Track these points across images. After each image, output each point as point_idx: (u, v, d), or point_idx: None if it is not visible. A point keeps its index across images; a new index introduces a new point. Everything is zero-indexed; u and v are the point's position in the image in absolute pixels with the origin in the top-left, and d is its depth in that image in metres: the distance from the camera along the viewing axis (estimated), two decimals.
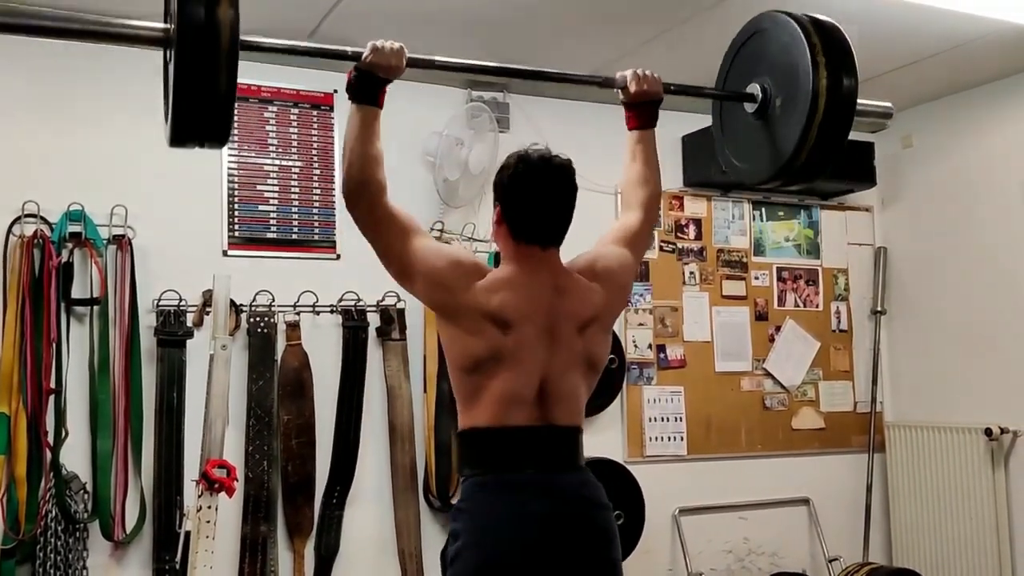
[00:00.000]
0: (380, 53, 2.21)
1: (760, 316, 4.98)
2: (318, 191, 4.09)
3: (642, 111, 2.62)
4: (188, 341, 3.72)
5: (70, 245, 3.57)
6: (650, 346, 4.68)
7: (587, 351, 2.30)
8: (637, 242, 2.54)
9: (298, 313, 3.94)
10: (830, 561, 4.80)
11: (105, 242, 3.64)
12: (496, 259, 4.24)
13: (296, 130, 4.07)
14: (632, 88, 2.57)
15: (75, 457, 3.53)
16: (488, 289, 2.22)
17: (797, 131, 2.50)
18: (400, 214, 2.27)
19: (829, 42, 2.50)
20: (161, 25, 2.14)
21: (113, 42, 2.19)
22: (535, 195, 2.30)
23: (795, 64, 2.51)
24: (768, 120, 2.64)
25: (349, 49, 2.27)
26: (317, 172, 4.09)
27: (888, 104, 2.96)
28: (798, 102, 2.50)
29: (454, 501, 3.96)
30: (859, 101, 2.56)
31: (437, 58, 2.44)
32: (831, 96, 2.45)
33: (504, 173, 2.33)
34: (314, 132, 4.10)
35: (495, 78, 4.37)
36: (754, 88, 2.67)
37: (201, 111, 2.03)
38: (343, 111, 4.08)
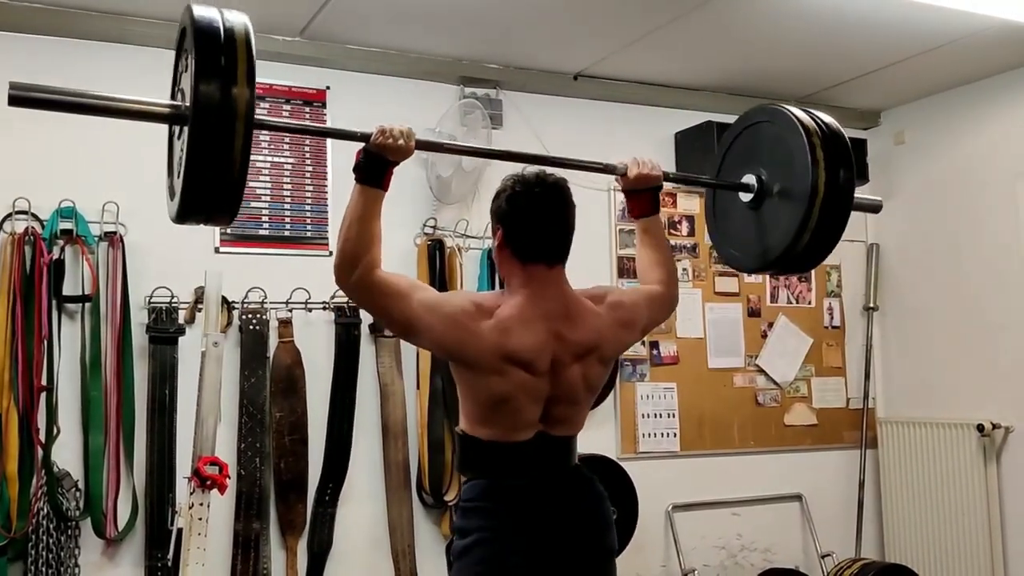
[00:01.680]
0: (389, 136, 2.21)
1: (753, 312, 4.98)
2: (310, 188, 4.08)
3: (643, 198, 2.65)
4: (180, 338, 3.72)
5: (61, 242, 3.56)
6: (643, 343, 4.67)
7: (585, 377, 2.35)
8: (654, 305, 2.57)
9: (290, 310, 3.93)
10: (823, 557, 4.81)
11: (96, 239, 3.63)
12: (488, 256, 4.28)
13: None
14: (631, 175, 2.60)
15: (67, 454, 3.52)
16: (501, 329, 2.23)
17: (794, 225, 2.53)
18: (391, 279, 2.25)
19: (827, 138, 2.54)
20: (170, 102, 2.16)
21: (124, 118, 2.21)
22: (536, 213, 2.32)
23: (794, 159, 2.54)
24: (763, 211, 2.67)
25: (359, 131, 2.27)
26: (310, 169, 4.08)
27: (878, 198, 3.08)
28: (795, 196, 2.53)
29: (448, 498, 4.01)
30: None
31: (446, 143, 2.46)
32: (829, 192, 2.49)
33: (502, 196, 2.35)
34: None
35: (488, 75, 4.38)
36: (749, 178, 2.70)
37: (212, 191, 2.01)
38: (336, 107, 4.13)
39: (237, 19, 2.03)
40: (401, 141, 2.22)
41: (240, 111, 1.95)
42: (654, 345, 4.71)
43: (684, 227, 4.86)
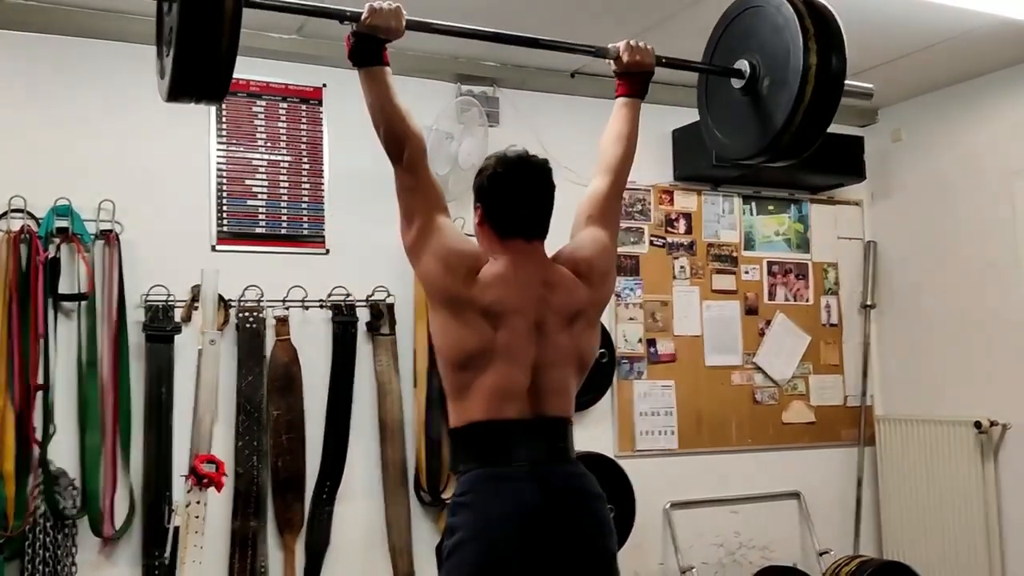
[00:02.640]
0: (379, 14, 2.22)
1: (750, 310, 4.98)
2: (307, 186, 4.07)
3: (633, 80, 2.64)
4: (176, 336, 3.71)
5: (57, 240, 3.55)
6: (640, 340, 4.67)
7: (575, 345, 2.32)
8: (608, 213, 2.53)
9: (287, 308, 3.93)
10: (820, 554, 4.81)
11: (93, 237, 3.62)
12: None
13: (285, 124, 4.05)
14: (625, 58, 2.59)
15: (63, 453, 3.52)
16: (484, 284, 2.24)
17: (786, 109, 2.51)
18: (437, 186, 2.34)
19: (820, 22, 2.52)
20: None
21: None
22: (514, 188, 2.35)
23: (785, 42, 2.52)
24: (755, 96, 2.65)
25: (348, 10, 2.25)
26: (306, 167, 4.08)
27: (869, 85, 2.99)
28: (787, 80, 2.51)
29: (445, 496, 4.00)
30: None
31: (434, 21, 2.45)
32: (820, 71, 2.47)
33: (483, 174, 2.39)
34: (303, 126, 4.08)
35: (485, 73, 4.38)
36: (742, 64, 2.67)
37: (202, 67, 2.03)
38: (332, 105, 4.12)
39: None
40: (392, 21, 2.23)
41: None
42: (651, 343, 4.71)
43: (681, 225, 4.85)
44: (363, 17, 2.22)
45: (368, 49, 2.25)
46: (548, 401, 2.26)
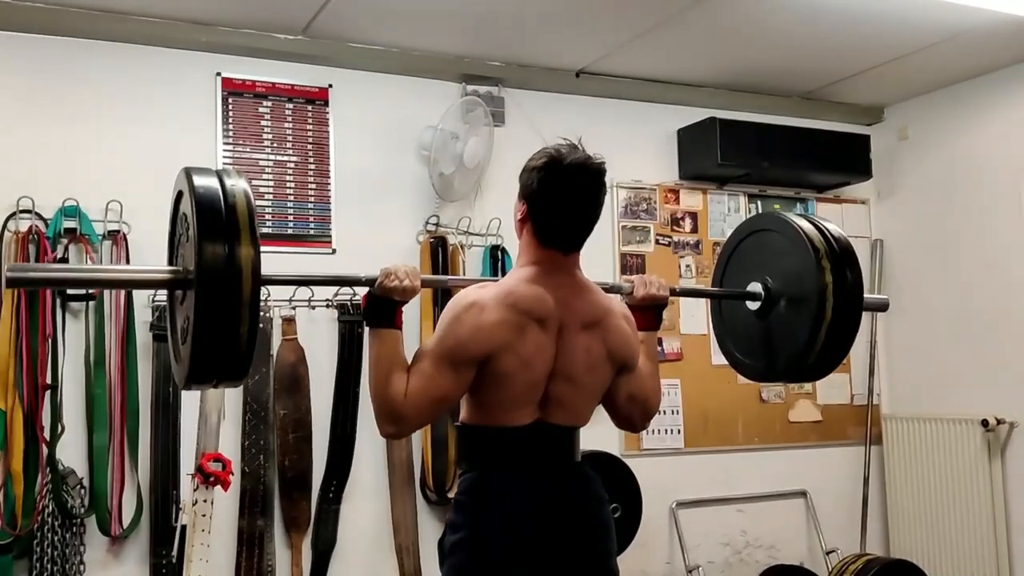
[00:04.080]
0: (394, 278, 2.19)
1: None
2: (313, 186, 4.08)
3: (648, 315, 2.56)
4: None
5: (65, 240, 3.57)
6: None
7: (589, 353, 2.26)
8: (634, 399, 2.43)
9: (294, 308, 3.93)
10: (827, 553, 4.81)
11: (100, 237, 3.64)
12: (490, 253, 4.29)
13: (291, 125, 4.06)
14: (638, 294, 2.53)
15: (71, 452, 3.54)
16: (506, 294, 2.18)
17: (805, 331, 2.51)
18: (419, 392, 2.14)
19: (829, 241, 2.55)
20: (170, 267, 2.13)
21: (125, 288, 2.21)
22: (564, 204, 2.23)
23: (799, 264, 2.54)
24: (771, 319, 2.66)
25: (363, 276, 2.26)
26: (312, 167, 4.09)
27: (884, 297, 3.06)
28: (804, 302, 2.52)
29: (451, 495, 4.00)
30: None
31: (450, 278, 2.43)
32: (837, 290, 2.48)
33: (533, 175, 2.23)
34: (309, 127, 4.09)
35: (490, 73, 4.39)
36: (756, 287, 2.69)
37: (222, 357, 1.97)
38: (338, 106, 4.13)
39: (237, 183, 2.02)
40: (407, 282, 2.19)
41: (247, 275, 1.92)
42: (658, 342, 4.69)
43: (687, 224, 4.86)
44: (378, 280, 2.20)
45: (384, 311, 2.20)
46: (558, 411, 2.25)
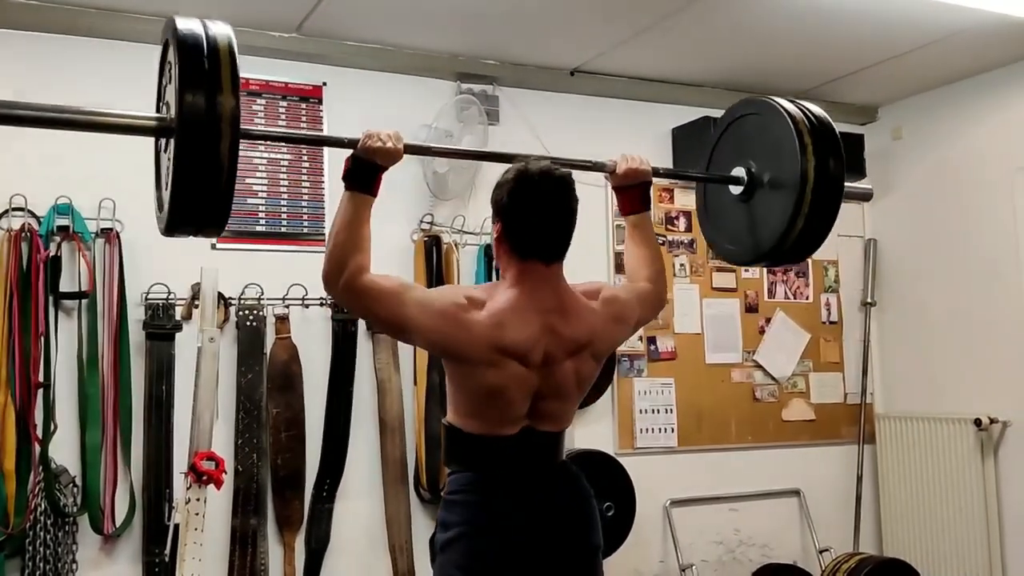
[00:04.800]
0: (377, 141, 2.21)
1: (750, 308, 4.98)
2: (307, 184, 4.08)
3: (633, 194, 2.62)
4: (177, 334, 3.72)
5: (58, 239, 3.57)
6: (640, 338, 4.67)
7: (577, 374, 2.33)
8: (644, 303, 2.54)
9: (287, 306, 3.94)
10: (820, 552, 4.82)
11: (93, 235, 3.63)
12: (485, 252, 4.28)
13: (285, 123, 4.05)
14: (620, 170, 2.58)
15: (64, 451, 3.53)
16: (495, 322, 2.21)
17: (785, 215, 2.52)
18: (379, 281, 2.21)
19: (815, 128, 2.54)
20: (155, 115, 2.14)
21: (108, 132, 2.19)
22: (536, 211, 2.27)
23: (782, 149, 2.54)
24: (754, 203, 2.67)
25: (346, 137, 2.27)
26: (306, 165, 4.08)
27: (868, 186, 3.04)
28: (785, 186, 2.53)
29: (444, 493, 4.01)
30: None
31: (434, 145, 2.45)
32: (819, 181, 2.49)
33: (503, 190, 2.29)
34: (303, 125, 4.08)
35: (484, 71, 4.38)
36: (739, 171, 2.70)
37: (201, 203, 2.01)
38: (332, 103, 4.12)
39: (220, 30, 2.03)
40: (390, 144, 2.21)
41: (226, 121, 1.95)
42: (652, 340, 4.71)
43: (682, 223, 4.86)
44: (361, 143, 2.21)
45: (365, 175, 2.23)
46: (545, 422, 2.32)
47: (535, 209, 2.27)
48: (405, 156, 2.29)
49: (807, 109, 2.59)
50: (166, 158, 2.07)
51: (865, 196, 3.10)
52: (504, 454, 2.28)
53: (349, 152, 2.28)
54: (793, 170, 2.50)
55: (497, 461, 2.28)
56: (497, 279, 2.68)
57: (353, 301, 2.24)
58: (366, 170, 2.22)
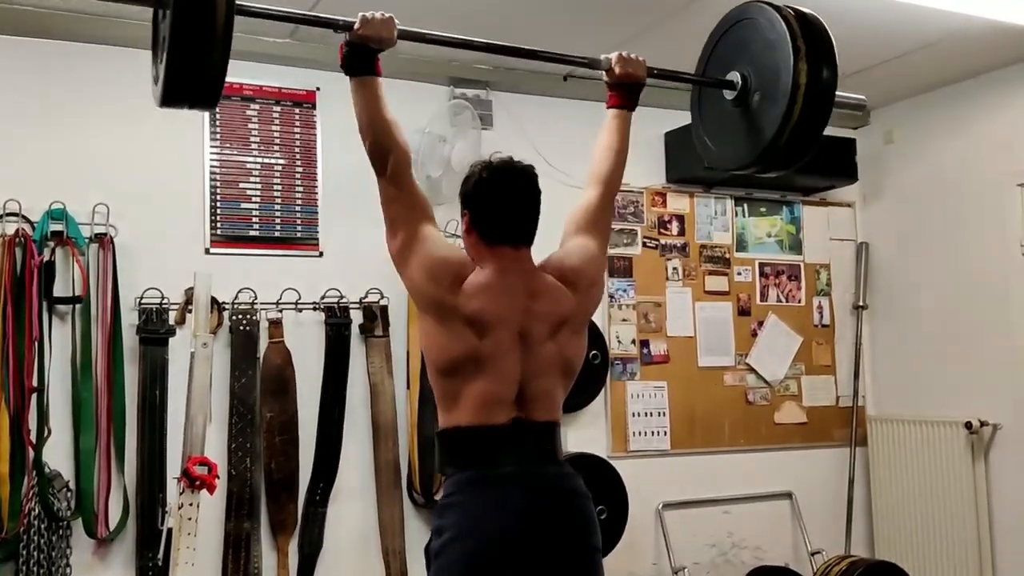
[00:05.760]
0: (370, 24, 2.25)
1: (743, 311, 5.00)
2: (301, 189, 4.09)
3: (624, 92, 2.67)
4: (170, 339, 3.73)
5: (52, 244, 3.57)
6: (633, 341, 4.69)
7: (561, 353, 2.35)
8: (599, 223, 2.56)
9: (281, 311, 3.94)
10: (812, 554, 4.83)
11: (87, 240, 3.64)
12: None
13: (278, 128, 4.06)
14: (617, 70, 2.63)
15: (58, 455, 3.53)
16: (469, 294, 2.26)
17: (776, 121, 2.53)
18: (421, 195, 2.36)
19: (810, 34, 2.54)
20: None
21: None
22: (500, 195, 2.38)
23: (776, 54, 2.54)
24: (747, 108, 2.67)
25: (340, 19, 2.29)
26: (300, 170, 4.09)
27: (861, 96, 3.02)
28: (778, 92, 2.53)
29: (439, 497, 4.01)
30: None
31: (426, 32, 2.49)
32: (810, 88, 2.49)
33: (470, 182, 2.41)
34: (296, 130, 4.10)
35: (478, 76, 4.39)
36: (734, 76, 2.70)
37: (195, 74, 2.05)
38: (326, 109, 4.13)
39: None
40: (384, 31, 2.27)
41: None
42: (644, 344, 4.73)
43: (674, 227, 4.87)
44: (355, 27, 2.25)
45: (361, 59, 2.28)
46: (535, 408, 2.30)
47: (500, 194, 2.37)
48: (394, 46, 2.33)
49: (802, 11, 2.59)
50: (162, 29, 2.09)
51: (858, 106, 3.06)
52: (495, 447, 2.25)
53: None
54: (786, 75, 2.49)
55: (489, 457, 2.24)
56: None
57: (395, 192, 2.31)
58: (362, 54, 2.28)
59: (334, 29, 2.30)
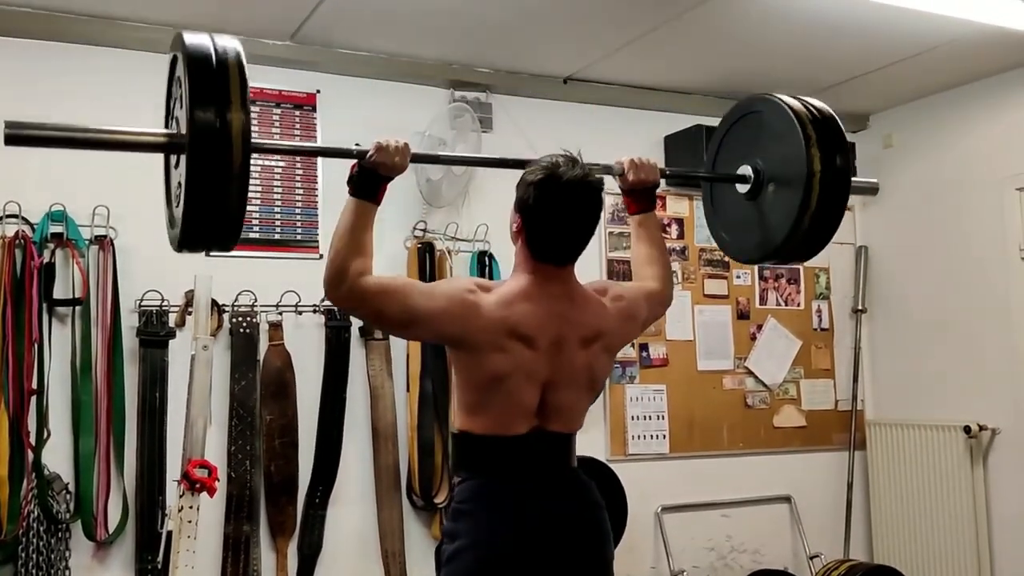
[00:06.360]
0: (385, 152, 2.21)
1: (742, 315, 5.01)
2: (300, 191, 4.09)
3: (640, 196, 2.63)
4: (170, 341, 3.73)
5: (52, 246, 3.57)
6: (633, 345, 4.69)
7: (590, 366, 2.32)
8: (651, 301, 2.54)
9: (280, 313, 3.94)
10: (811, 558, 4.84)
11: (87, 242, 3.64)
12: (478, 259, 4.29)
13: (279, 130, 4.07)
14: (630, 177, 2.58)
15: (57, 457, 3.53)
16: (503, 302, 2.22)
17: (793, 211, 2.51)
18: (383, 280, 2.22)
19: (819, 121, 2.54)
20: (165, 131, 2.16)
21: (120, 149, 2.22)
22: (560, 221, 2.26)
23: (786, 144, 2.54)
24: (761, 201, 2.67)
25: (355, 148, 2.28)
26: (300, 172, 4.09)
27: (874, 180, 3.04)
28: (792, 182, 2.52)
29: (438, 500, 4.02)
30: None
31: (442, 154, 2.46)
32: (825, 174, 2.48)
33: (530, 190, 2.25)
34: (297, 132, 4.10)
35: (478, 79, 4.40)
36: (745, 169, 2.69)
37: (213, 220, 2.02)
38: (326, 111, 4.13)
39: (229, 44, 2.04)
40: (397, 159, 2.23)
41: (237, 136, 1.95)
42: (644, 347, 4.73)
43: (674, 230, 4.88)
44: (369, 153, 2.22)
45: (369, 184, 2.24)
46: (556, 418, 2.28)
47: (558, 219, 2.26)
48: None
49: (811, 105, 2.58)
50: (177, 174, 2.07)
51: (871, 189, 3.08)
52: (513, 458, 2.24)
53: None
54: (799, 166, 2.48)
55: (506, 466, 2.23)
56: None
57: (358, 304, 2.20)
58: (371, 179, 2.24)
59: (349, 156, 2.29)
